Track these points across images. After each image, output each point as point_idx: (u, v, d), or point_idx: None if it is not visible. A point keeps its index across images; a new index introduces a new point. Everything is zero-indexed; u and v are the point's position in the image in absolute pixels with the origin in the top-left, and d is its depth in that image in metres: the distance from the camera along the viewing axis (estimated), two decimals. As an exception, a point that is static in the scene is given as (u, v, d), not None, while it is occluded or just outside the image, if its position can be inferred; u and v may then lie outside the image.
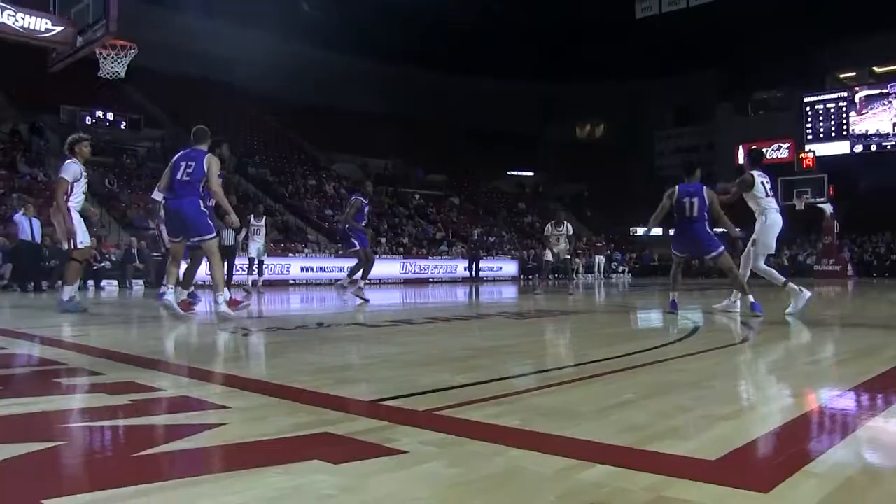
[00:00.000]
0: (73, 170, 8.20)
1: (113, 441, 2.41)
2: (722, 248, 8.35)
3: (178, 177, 7.47)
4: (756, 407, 3.01)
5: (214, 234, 7.64)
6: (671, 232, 8.85)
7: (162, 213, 8.69)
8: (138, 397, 3.02)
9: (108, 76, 11.91)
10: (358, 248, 10.65)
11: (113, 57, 11.83)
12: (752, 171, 8.60)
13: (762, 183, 8.53)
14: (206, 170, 7.45)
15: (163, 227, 8.95)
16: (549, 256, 15.46)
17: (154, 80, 33.91)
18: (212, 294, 7.99)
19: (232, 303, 7.93)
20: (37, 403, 2.88)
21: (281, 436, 2.34)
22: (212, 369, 3.87)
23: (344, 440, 2.26)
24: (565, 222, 15.44)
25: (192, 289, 9.24)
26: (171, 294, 7.90)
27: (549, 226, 15.62)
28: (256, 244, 15.33)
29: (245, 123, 38.72)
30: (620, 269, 36.19)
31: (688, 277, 16.07)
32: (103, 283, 19.17)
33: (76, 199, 8.81)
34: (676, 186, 8.45)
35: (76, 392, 3.16)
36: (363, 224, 10.88)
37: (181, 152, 7.66)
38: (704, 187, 8.41)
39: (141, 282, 19.63)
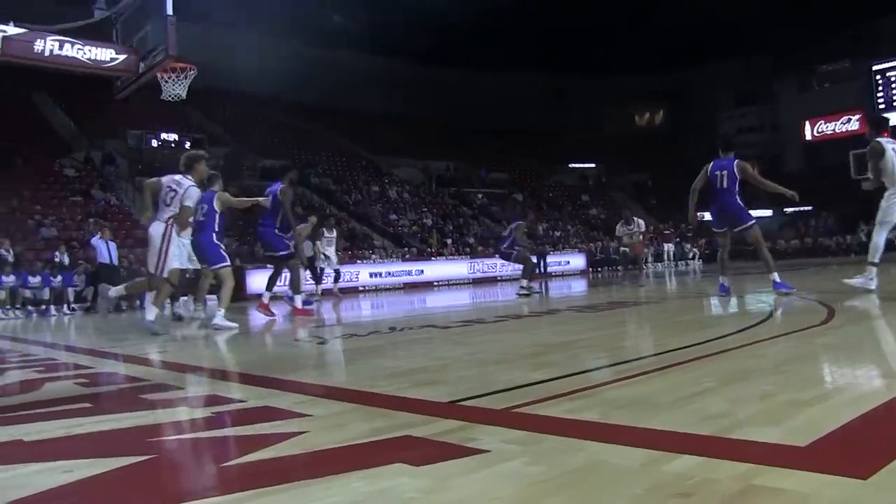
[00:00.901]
0: (194, 195, 8.29)
1: (200, 453, 2.46)
2: (753, 221, 8.78)
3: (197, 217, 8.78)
4: (843, 390, 2.91)
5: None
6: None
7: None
8: (220, 409, 3.09)
9: (170, 98, 12.19)
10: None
11: (174, 80, 12.13)
12: (878, 139, 7.93)
13: (893, 149, 7.80)
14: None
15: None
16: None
17: (211, 98, 34.67)
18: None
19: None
20: (127, 419, 2.97)
21: (361, 441, 2.35)
22: (289, 378, 3.93)
23: (424, 442, 2.27)
24: (635, 219, 15.19)
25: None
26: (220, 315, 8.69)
27: (618, 226, 15.45)
28: (330, 254, 16.11)
29: (300, 135, 39.29)
30: (691, 255, 35.42)
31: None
32: (180, 299, 19.62)
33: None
34: (712, 162, 8.58)
35: (161, 407, 3.25)
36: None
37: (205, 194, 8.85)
38: (736, 160, 8.65)
39: (215, 297, 20.07)
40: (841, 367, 3.54)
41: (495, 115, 48.85)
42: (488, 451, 2.09)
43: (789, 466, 1.77)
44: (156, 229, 7.92)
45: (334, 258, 16.82)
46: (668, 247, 32.30)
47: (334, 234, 17.14)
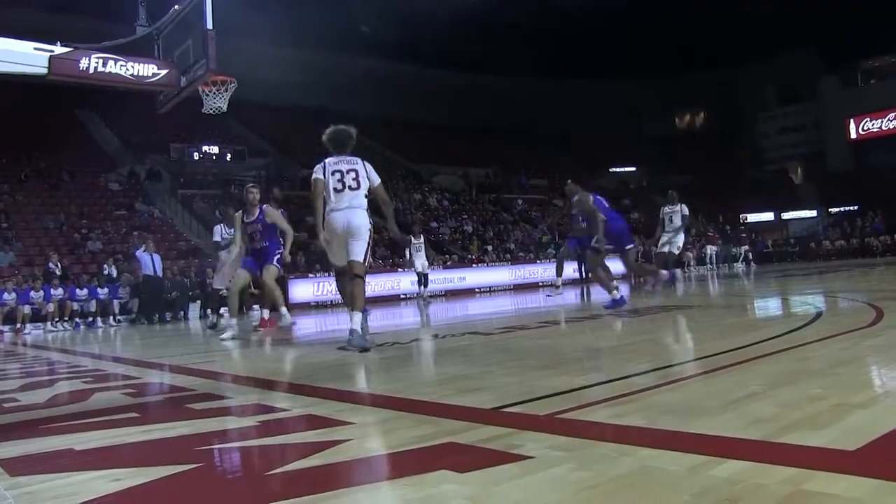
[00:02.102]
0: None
1: (246, 461, 2.50)
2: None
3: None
4: (891, 393, 2.86)
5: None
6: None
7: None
8: (265, 418, 3.13)
9: (211, 111, 12.39)
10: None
11: (214, 93, 12.33)
12: None
13: None
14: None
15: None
16: (663, 247, 14.57)
17: (253, 111, 35.11)
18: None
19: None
20: (174, 428, 3.02)
21: (406, 448, 2.37)
22: (333, 387, 3.96)
23: (469, 449, 2.28)
24: (680, 203, 14.39)
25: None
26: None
27: (663, 210, 14.84)
28: (420, 259, 16.70)
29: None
30: (741, 256, 34.70)
31: (806, 260, 15.44)
32: (222, 310, 19.90)
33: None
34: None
35: (208, 416, 3.29)
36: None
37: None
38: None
39: (257, 307, 20.31)
40: (891, 369, 3.46)
41: (534, 120, 48.80)
42: (533, 458, 2.09)
43: (839, 471, 1.75)
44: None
45: (424, 262, 17.36)
46: (712, 249, 31.85)
47: (421, 239, 17.86)
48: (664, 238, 13.96)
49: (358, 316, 6.16)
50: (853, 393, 2.73)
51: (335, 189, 6.43)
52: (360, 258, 6.28)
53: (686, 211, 14.38)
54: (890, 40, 43.16)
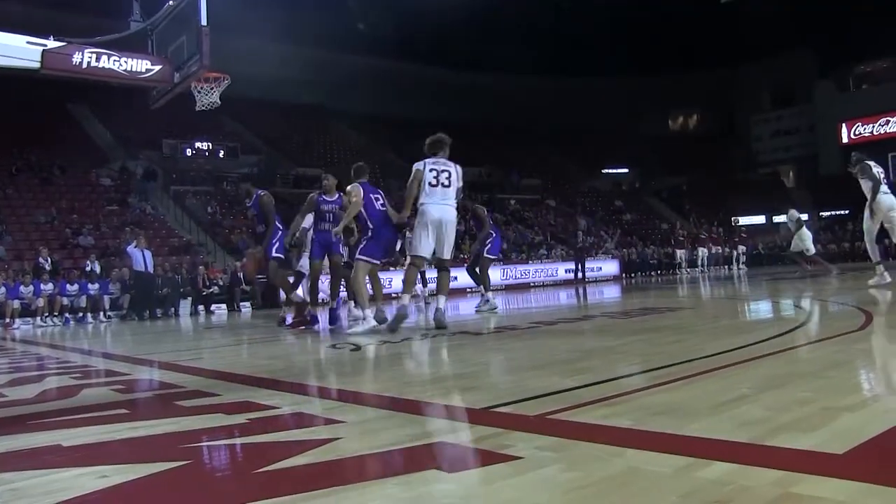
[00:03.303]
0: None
1: (233, 459, 2.50)
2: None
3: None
4: (881, 397, 2.88)
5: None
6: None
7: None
8: (254, 416, 3.12)
9: (204, 107, 12.38)
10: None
11: (208, 89, 12.32)
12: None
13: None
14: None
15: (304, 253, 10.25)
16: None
17: (246, 108, 35.08)
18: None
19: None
20: (162, 425, 3.01)
21: (396, 447, 2.37)
22: (323, 385, 3.96)
23: (459, 448, 2.28)
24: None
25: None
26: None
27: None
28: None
29: (334, 142, 39.59)
30: (742, 258, 34.76)
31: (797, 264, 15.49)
32: (213, 307, 19.88)
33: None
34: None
35: (196, 413, 3.28)
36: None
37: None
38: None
39: (248, 304, 20.27)
40: (879, 373, 3.50)
41: (529, 118, 48.83)
42: (523, 458, 2.10)
43: (827, 474, 1.76)
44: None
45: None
46: (703, 252, 31.94)
47: None
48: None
49: (443, 300, 7.68)
50: (842, 396, 2.75)
51: (430, 184, 7.53)
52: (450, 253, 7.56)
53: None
54: (883, 45, 43.44)
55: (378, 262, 8.40)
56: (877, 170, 10.09)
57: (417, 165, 7.64)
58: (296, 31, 37.11)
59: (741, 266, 32.76)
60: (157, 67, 5.24)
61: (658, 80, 52.15)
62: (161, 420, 3.14)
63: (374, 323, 7.91)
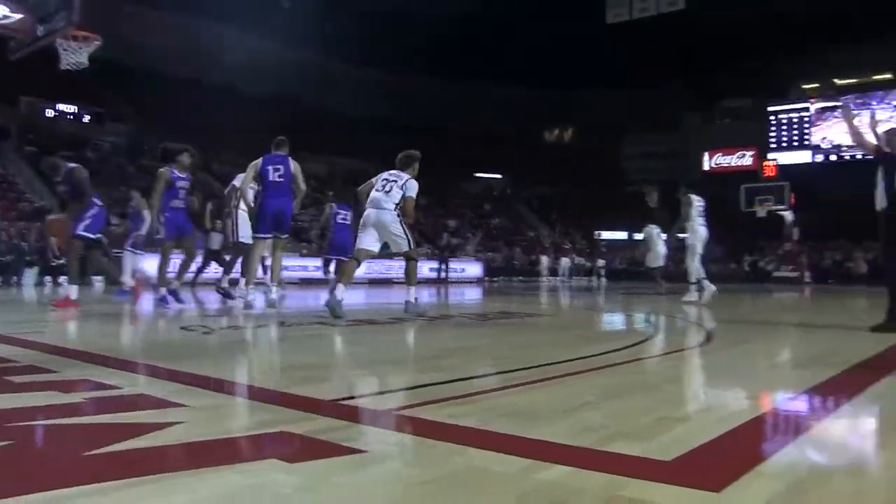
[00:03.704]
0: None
1: (65, 440, 2.36)
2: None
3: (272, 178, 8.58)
4: (711, 409, 3.05)
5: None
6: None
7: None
8: (92, 395, 2.98)
9: (69, 67, 11.69)
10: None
11: (75, 48, 11.63)
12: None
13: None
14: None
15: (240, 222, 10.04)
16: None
17: (118, 72, 33.51)
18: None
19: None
20: (-13, 401, 2.82)
21: (237, 435, 2.32)
22: (171, 367, 3.83)
23: (302, 439, 2.25)
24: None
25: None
26: (251, 294, 8.62)
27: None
28: None
29: (210, 117, 38.39)
30: (602, 272, 36.22)
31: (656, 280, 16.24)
32: (61, 279, 18.84)
33: None
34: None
35: (27, 390, 3.10)
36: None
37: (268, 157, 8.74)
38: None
39: (101, 278, 19.34)
40: (711, 387, 3.72)
41: (406, 113, 48.73)
42: (366, 452, 2.10)
43: (654, 479, 1.85)
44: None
45: None
46: (565, 261, 32.99)
47: None
48: None
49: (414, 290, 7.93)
50: (676, 407, 2.90)
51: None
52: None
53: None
54: (747, 86, 46.48)
55: (267, 237, 8.55)
56: (698, 203, 11.71)
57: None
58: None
59: (601, 278, 34.10)
60: (17, 16, 4.94)
61: (539, 91, 53.25)
62: (-15, 395, 2.93)
63: (246, 301, 8.26)
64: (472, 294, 17.69)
